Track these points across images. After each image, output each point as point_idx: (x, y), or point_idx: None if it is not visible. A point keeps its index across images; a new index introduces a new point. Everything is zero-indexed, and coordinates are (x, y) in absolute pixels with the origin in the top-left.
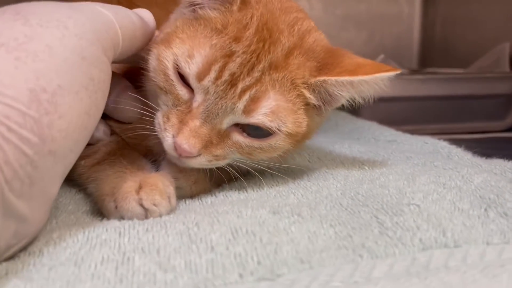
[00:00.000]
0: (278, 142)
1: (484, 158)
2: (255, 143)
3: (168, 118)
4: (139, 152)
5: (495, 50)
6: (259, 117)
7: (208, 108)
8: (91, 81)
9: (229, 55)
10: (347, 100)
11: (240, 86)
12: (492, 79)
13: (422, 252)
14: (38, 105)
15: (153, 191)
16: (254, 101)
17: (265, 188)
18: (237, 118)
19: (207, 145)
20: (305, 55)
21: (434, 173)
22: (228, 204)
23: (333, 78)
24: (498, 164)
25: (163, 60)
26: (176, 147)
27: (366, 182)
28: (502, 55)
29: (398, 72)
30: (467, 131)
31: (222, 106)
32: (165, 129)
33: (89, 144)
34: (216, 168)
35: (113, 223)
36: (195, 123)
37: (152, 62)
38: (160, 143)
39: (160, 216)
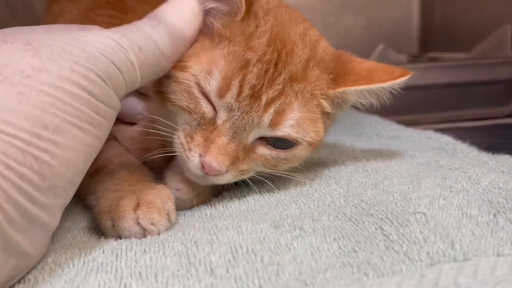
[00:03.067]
0: (301, 151)
1: (490, 153)
2: (281, 154)
3: (192, 138)
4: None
5: (497, 32)
6: (286, 129)
7: (235, 124)
8: (96, 115)
9: (245, 65)
10: (362, 104)
11: (264, 98)
12: (494, 65)
13: (430, 267)
14: (39, 142)
15: (150, 209)
16: (280, 114)
17: (266, 197)
18: (263, 131)
19: (234, 161)
20: (318, 66)
21: (439, 175)
22: (227, 217)
23: (352, 88)
24: (505, 161)
25: (184, 81)
26: (204, 166)
27: (369, 187)
28: (504, 38)
29: (411, 75)
30: (470, 118)
31: (248, 120)
32: (190, 148)
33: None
34: None
35: (110, 244)
36: (222, 140)
37: (170, 85)
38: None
39: (158, 234)
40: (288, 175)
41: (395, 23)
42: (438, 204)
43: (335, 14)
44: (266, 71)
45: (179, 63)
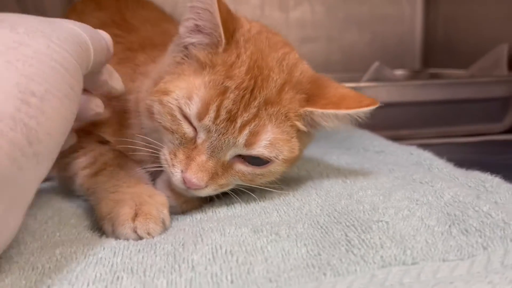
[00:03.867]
0: (276, 167)
1: (464, 169)
2: (257, 170)
3: (175, 155)
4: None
5: (494, 51)
6: (259, 149)
7: (212, 144)
8: (71, 90)
9: (223, 92)
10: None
11: (239, 121)
12: (489, 83)
13: (381, 269)
14: (28, 108)
15: (147, 220)
16: (254, 135)
17: (252, 205)
18: (239, 150)
19: (213, 176)
20: (294, 88)
21: (410, 188)
22: (214, 221)
23: (320, 110)
24: (474, 177)
25: (167, 104)
26: (185, 181)
27: (344, 197)
28: (501, 57)
29: (377, 105)
30: (466, 134)
31: (224, 141)
32: (173, 165)
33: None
34: None
35: (110, 242)
36: (201, 158)
37: (156, 107)
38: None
39: (153, 237)
40: (269, 188)
41: (398, 39)
42: (402, 214)
43: (339, 29)
44: (242, 97)
45: (162, 88)
